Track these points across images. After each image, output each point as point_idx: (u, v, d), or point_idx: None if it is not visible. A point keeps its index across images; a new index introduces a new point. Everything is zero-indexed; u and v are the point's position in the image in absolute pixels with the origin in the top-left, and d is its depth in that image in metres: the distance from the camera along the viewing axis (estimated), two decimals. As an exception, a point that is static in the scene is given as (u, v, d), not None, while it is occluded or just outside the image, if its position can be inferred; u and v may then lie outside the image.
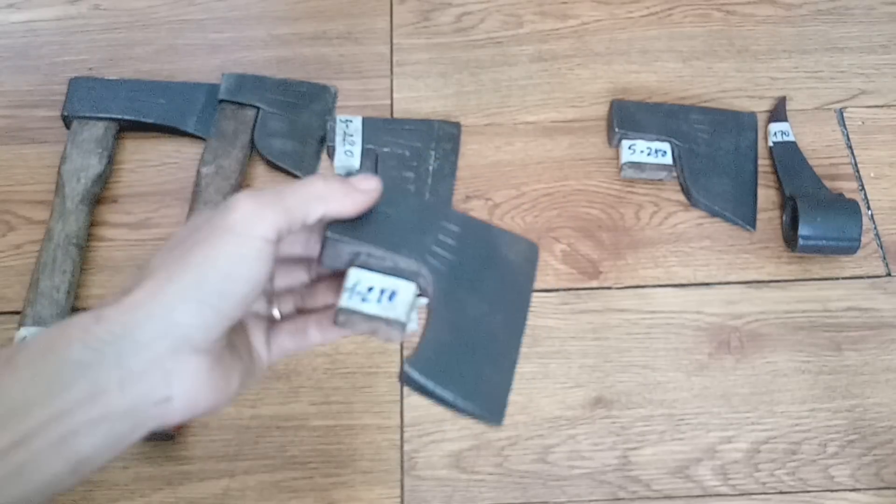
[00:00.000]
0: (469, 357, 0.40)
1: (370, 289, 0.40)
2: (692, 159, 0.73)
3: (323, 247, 0.40)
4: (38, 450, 0.30)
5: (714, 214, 0.73)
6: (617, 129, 0.74)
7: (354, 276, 0.40)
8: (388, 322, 0.40)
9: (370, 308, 0.40)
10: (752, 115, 0.77)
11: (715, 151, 0.74)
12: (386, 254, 0.40)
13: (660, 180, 0.74)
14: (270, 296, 0.42)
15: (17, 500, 0.31)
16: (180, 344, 0.33)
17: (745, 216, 0.72)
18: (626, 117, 0.75)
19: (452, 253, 0.42)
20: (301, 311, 0.43)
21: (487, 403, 0.39)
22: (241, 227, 0.34)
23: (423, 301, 0.42)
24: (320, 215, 0.37)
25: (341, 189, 0.38)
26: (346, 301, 0.40)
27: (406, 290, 0.41)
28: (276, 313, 0.42)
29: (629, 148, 0.73)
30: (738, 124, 0.76)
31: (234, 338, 0.38)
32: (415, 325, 0.42)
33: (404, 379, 0.39)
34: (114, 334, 0.32)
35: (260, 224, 0.34)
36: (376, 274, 0.41)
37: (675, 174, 0.74)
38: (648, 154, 0.73)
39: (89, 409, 0.31)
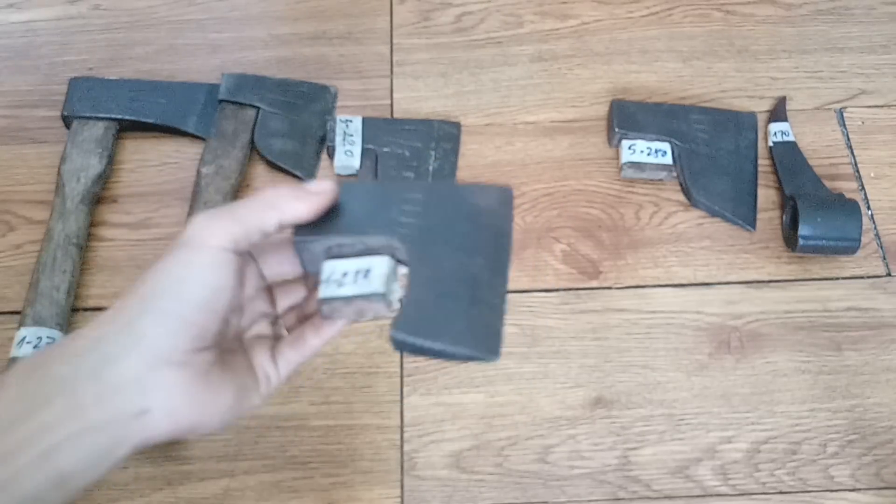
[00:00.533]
0: (452, 304, 0.40)
1: (345, 273, 0.41)
2: (692, 159, 0.73)
3: (297, 253, 0.41)
4: (21, 465, 0.31)
5: (714, 214, 0.73)
6: (617, 129, 0.74)
7: (328, 268, 0.41)
8: (368, 298, 0.41)
9: (348, 290, 0.41)
10: (752, 115, 0.77)
11: (715, 151, 0.74)
12: (354, 239, 0.41)
13: (660, 180, 0.74)
14: (274, 317, 0.43)
15: None
16: (151, 355, 0.34)
17: (745, 216, 0.72)
18: (626, 117, 0.75)
19: (420, 218, 0.43)
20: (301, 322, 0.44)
21: (481, 342, 0.40)
22: (193, 239, 0.36)
23: (404, 270, 0.43)
24: (276, 222, 0.38)
25: (291, 194, 0.39)
26: (324, 291, 0.41)
27: (380, 264, 0.42)
28: (283, 332, 0.43)
29: (629, 148, 0.73)
30: (738, 124, 0.76)
31: (229, 357, 0.39)
32: (399, 294, 0.43)
33: (394, 343, 0.39)
34: (86, 349, 0.33)
35: (212, 234, 0.36)
36: (348, 259, 0.41)
37: (675, 174, 0.74)
38: (648, 154, 0.73)
39: (69, 423, 0.32)
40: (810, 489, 0.62)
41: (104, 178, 0.74)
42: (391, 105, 0.79)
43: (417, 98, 0.80)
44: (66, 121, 0.75)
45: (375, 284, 0.41)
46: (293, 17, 0.85)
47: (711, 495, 0.62)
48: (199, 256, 0.36)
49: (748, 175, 0.74)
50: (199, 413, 0.36)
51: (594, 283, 0.70)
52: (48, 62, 0.82)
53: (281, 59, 0.82)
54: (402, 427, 0.64)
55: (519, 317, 0.68)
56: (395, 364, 0.66)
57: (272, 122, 0.76)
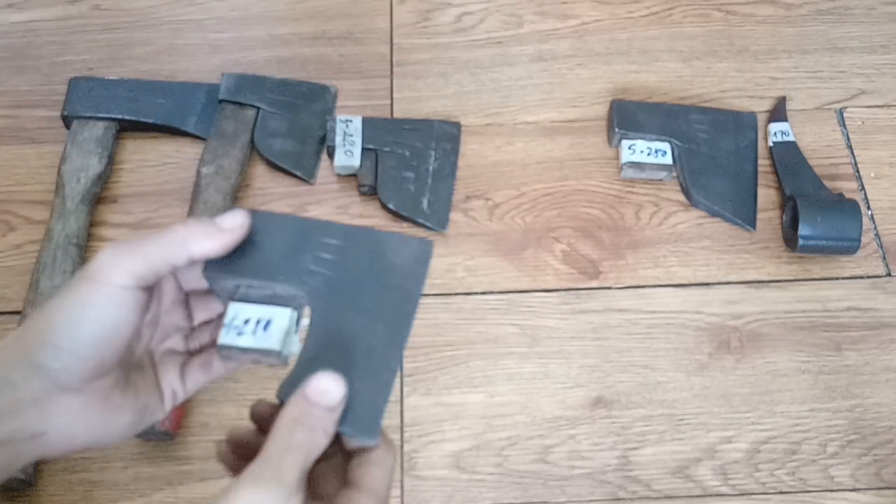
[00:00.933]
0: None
1: (246, 321, 0.40)
2: (692, 159, 0.73)
3: (209, 284, 0.41)
4: None
5: (714, 214, 0.73)
6: (617, 129, 0.74)
7: (232, 310, 0.41)
8: (263, 353, 0.40)
9: (245, 341, 0.40)
10: (752, 115, 0.77)
11: (715, 151, 0.74)
12: (262, 283, 0.41)
13: (660, 180, 0.74)
14: (187, 332, 0.43)
15: None
16: (48, 384, 0.34)
17: (746, 216, 0.72)
18: (626, 117, 0.75)
19: (332, 269, 0.41)
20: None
21: (359, 422, 0.38)
22: (97, 274, 0.36)
23: (305, 323, 0.41)
24: (186, 258, 0.38)
25: (202, 230, 0.38)
26: (223, 338, 0.40)
27: (281, 316, 0.41)
28: (194, 341, 0.43)
29: (629, 148, 0.73)
30: (739, 124, 0.76)
31: (135, 375, 0.39)
32: (296, 349, 0.41)
33: (279, 401, 0.39)
34: None
35: (116, 271, 0.36)
36: (253, 305, 0.41)
37: (675, 174, 0.74)
38: (648, 154, 0.73)
39: None
40: (810, 489, 0.62)
41: (104, 178, 0.74)
42: (391, 105, 0.79)
43: (417, 98, 0.80)
44: (66, 121, 0.75)
45: (272, 340, 0.40)
46: (293, 17, 0.85)
47: (711, 495, 0.62)
48: (99, 294, 0.36)
49: (748, 175, 0.74)
50: (96, 433, 0.36)
51: (594, 283, 0.70)
52: (48, 62, 0.82)
53: (281, 59, 0.82)
54: (402, 427, 0.64)
55: (519, 317, 0.68)
56: (395, 364, 0.66)
57: (272, 122, 0.76)
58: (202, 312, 0.43)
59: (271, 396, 0.66)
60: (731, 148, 0.75)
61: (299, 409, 0.36)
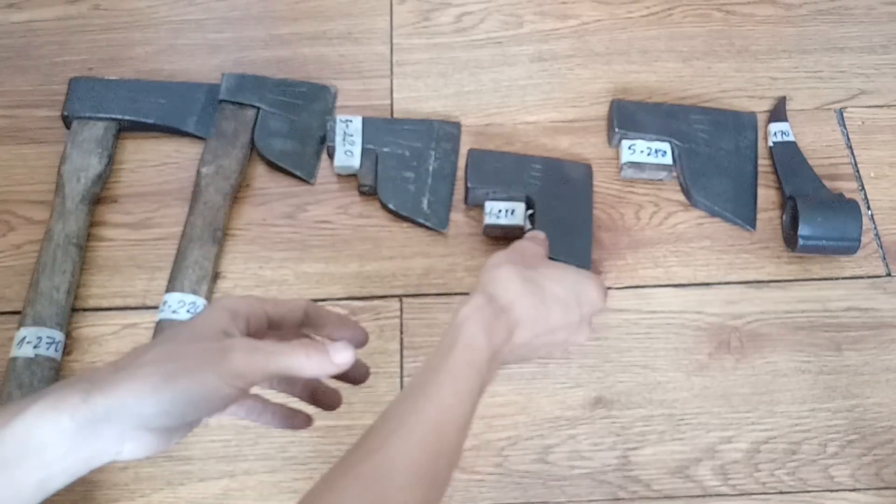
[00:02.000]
0: (562, 236, 0.69)
1: (500, 210, 0.70)
2: (692, 159, 0.73)
3: (467, 192, 0.72)
4: (21, 485, 0.41)
5: (714, 214, 0.73)
6: (617, 130, 0.74)
7: (489, 205, 0.70)
8: (512, 228, 0.70)
9: (503, 221, 0.70)
10: (752, 115, 0.77)
11: (715, 151, 0.74)
12: (503, 190, 0.71)
13: (660, 180, 0.74)
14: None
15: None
16: (138, 425, 0.42)
17: (746, 216, 0.72)
18: (626, 117, 0.75)
19: (540, 180, 0.72)
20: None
21: (580, 261, 0.68)
22: (227, 373, 0.42)
23: (530, 212, 0.71)
24: (297, 375, 0.45)
25: (319, 362, 0.45)
26: (488, 220, 0.70)
27: (520, 207, 0.70)
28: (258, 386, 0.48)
29: (629, 148, 0.73)
30: (739, 124, 0.76)
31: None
32: (528, 226, 0.70)
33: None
34: (94, 417, 0.41)
35: (240, 377, 0.43)
36: (500, 202, 0.71)
37: (674, 174, 0.74)
38: (648, 154, 0.73)
39: (62, 461, 0.41)
40: (810, 489, 0.62)
41: (104, 178, 0.74)
42: (391, 105, 0.79)
43: (417, 98, 0.80)
44: (66, 121, 0.75)
45: (518, 219, 0.70)
46: (293, 17, 0.85)
47: (711, 495, 0.62)
48: (223, 391, 0.43)
49: (748, 175, 0.74)
50: (152, 449, 0.43)
51: (594, 283, 0.70)
52: (48, 62, 0.82)
53: (281, 59, 0.82)
54: (402, 427, 0.64)
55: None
56: (396, 364, 0.66)
57: (272, 122, 0.76)
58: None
59: (270, 396, 0.66)
60: (731, 148, 0.75)
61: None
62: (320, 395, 0.54)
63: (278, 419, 0.52)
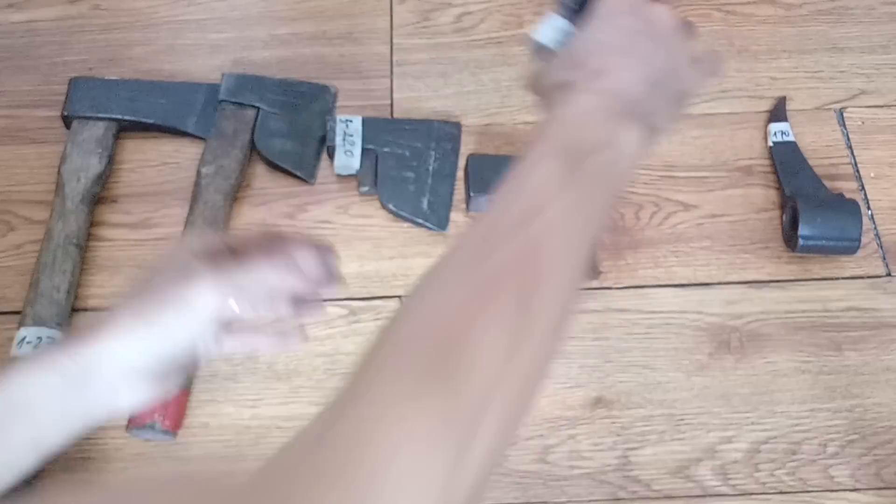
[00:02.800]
0: None
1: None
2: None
3: (468, 199, 0.64)
4: (16, 445, 0.42)
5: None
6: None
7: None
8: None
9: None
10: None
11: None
12: None
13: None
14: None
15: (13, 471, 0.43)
16: (126, 371, 0.43)
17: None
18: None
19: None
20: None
21: None
22: (195, 301, 0.43)
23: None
24: (263, 283, 0.46)
25: (283, 265, 0.46)
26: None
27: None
28: (234, 307, 0.47)
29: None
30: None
31: (181, 358, 0.46)
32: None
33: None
34: (80, 368, 0.42)
35: (210, 302, 0.44)
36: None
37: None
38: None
39: (57, 414, 0.42)
40: (810, 489, 0.62)
41: (104, 178, 0.74)
42: (391, 105, 0.79)
43: (417, 98, 0.80)
44: (66, 121, 0.75)
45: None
46: (293, 17, 0.85)
47: (711, 495, 0.62)
48: (196, 317, 0.44)
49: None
50: (150, 396, 0.45)
51: (594, 284, 0.70)
52: (48, 62, 0.82)
53: (281, 59, 0.82)
54: (402, 427, 0.64)
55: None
56: (395, 364, 0.66)
57: (272, 122, 0.76)
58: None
59: (271, 398, 0.66)
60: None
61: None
62: (305, 308, 0.51)
63: (273, 341, 0.51)
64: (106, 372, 0.43)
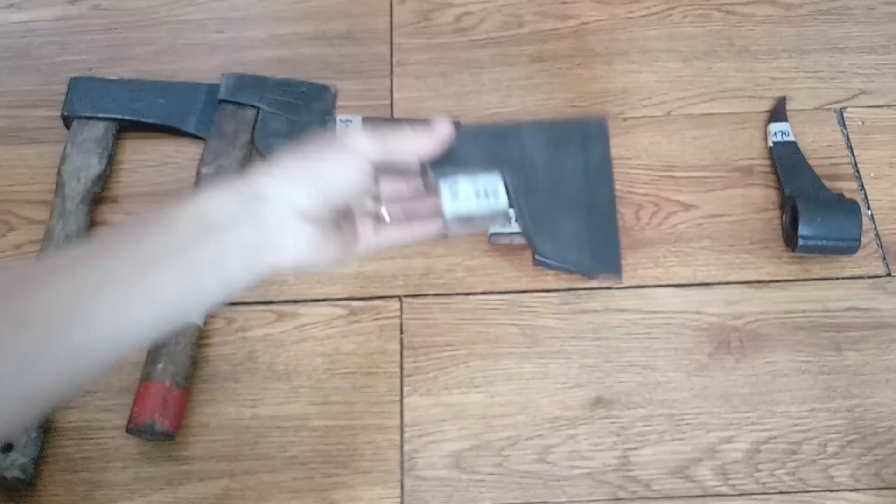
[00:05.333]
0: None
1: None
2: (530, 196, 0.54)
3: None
4: (200, 267, 0.43)
5: (566, 268, 0.56)
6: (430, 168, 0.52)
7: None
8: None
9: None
10: (601, 121, 0.56)
11: (559, 180, 0.55)
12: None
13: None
14: (378, 200, 0.55)
15: (188, 305, 0.44)
16: (293, 210, 0.46)
17: (608, 262, 0.55)
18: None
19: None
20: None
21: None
22: (354, 147, 0.48)
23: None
24: (412, 156, 0.51)
25: (426, 138, 0.51)
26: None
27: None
28: (384, 213, 0.55)
29: (450, 193, 0.52)
30: (584, 136, 0.56)
31: (343, 221, 0.52)
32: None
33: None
34: (253, 193, 0.45)
35: (366, 148, 0.48)
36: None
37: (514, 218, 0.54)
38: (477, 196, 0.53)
39: (234, 240, 0.44)
40: (810, 489, 0.62)
41: (104, 178, 0.74)
42: (391, 105, 0.79)
43: (417, 98, 0.80)
44: (66, 121, 0.75)
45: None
46: (293, 17, 0.85)
47: (711, 495, 0.62)
48: (354, 161, 0.48)
49: (605, 204, 0.56)
50: (312, 255, 0.48)
51: (594, 283, 0.70)
52: (48, 62, 0.82)
53: (281, 59, 0.82)
54: (402, 427, 0.64)
55: (519, 317, 0.68)
56: (395, 364, 0.66)
57: (272, 122, 0.76)
58: (386, 186, 0.55)
59: (271, 398, 0.66)
60: (578, 172, 0.55)
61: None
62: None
63: (420, 225, 0.55)
64: (275, 207, 0.46)
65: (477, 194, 0.53)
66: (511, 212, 0.54)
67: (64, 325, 0.40)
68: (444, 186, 0.53)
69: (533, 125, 0.56)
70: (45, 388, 0.40)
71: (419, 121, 0.51)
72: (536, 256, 0.54)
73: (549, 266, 0.55)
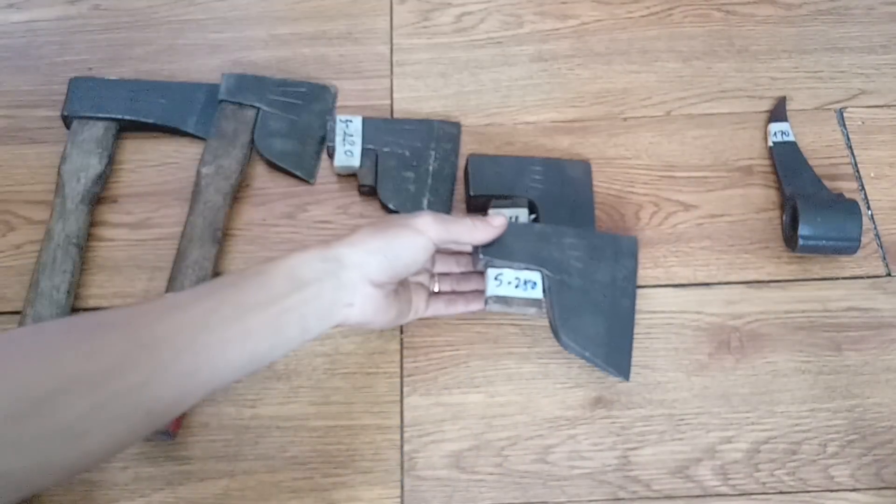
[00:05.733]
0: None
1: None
2: (563, 293, 0.63)
3: (469, 200, 0.71)
4: (287, 317, 0.51)
5: (583, 358, 0.64)
6: (482, 256, 0.62)
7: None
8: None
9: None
10: (632, 239, 0.68)
11: (589, 284, 0.64)
12: (505, 196, 0.70)
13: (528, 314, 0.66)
14: (432, 276, 0.66)
15: (272, 350, 0.51)
16: (365, 276, 0.54)
17: (618, 363, 0.64)
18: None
19: (541, 182, 0.71)
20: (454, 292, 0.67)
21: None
22: (421, 229, 0.56)
23: (533, 216, 0.69)
24: (469, 242, 0.61)
25: (483, 227, 0.61)
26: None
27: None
28: (435, 287, 0.66)
29: (495, 279, 0.62)
30: (617, 249, 0.67)
31: (401, 291, 0.60)
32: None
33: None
34: (335, 259, 0.53)
35: (434, 232, 0.57)
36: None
37: (544, 309, 0.63)
38: (517, 286, 0.63)
39: (316, 296, 0.52)
40: (810, 489, 0.62)
41: (104, 178, 0.74)
42: (391, 105, 0.79)
43: (417, 98, 0.80)
44: (66, 121, 0.75)
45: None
46: (293, 17, 0.85)
47: (711, 495, 0.62)
48: (420, 240, 0.56)
49: (624, 312, 0.65)
50: (374, 316, 0.56)
51: (594, 283, 0.70)
52: (48, 62, 0.82)
53: (281, 59, 0.82)
54: (402, 427, 0.64)
55: (520, 317, 0.68)
56: (395, 364, 0.66)
57: (272, 122, 0.76)
58: (441, 266, 0.66)
59: (271, 398, 0.67)
60: (607, 280, 0.65)
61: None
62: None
63: (463, 301, 0.65)
64: (352, 270, 0.53)
65: (517, 284, 0.62)
66: (543, 303, 0.63)
67: (178, 352, 0.46)
68: (491, 272, 0.62)
69: (575, 233, 0.66)
70: (160, 406, 0.46)
71: (479, 216, 0.62)
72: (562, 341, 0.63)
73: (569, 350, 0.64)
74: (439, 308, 0.65)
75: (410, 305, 0.62)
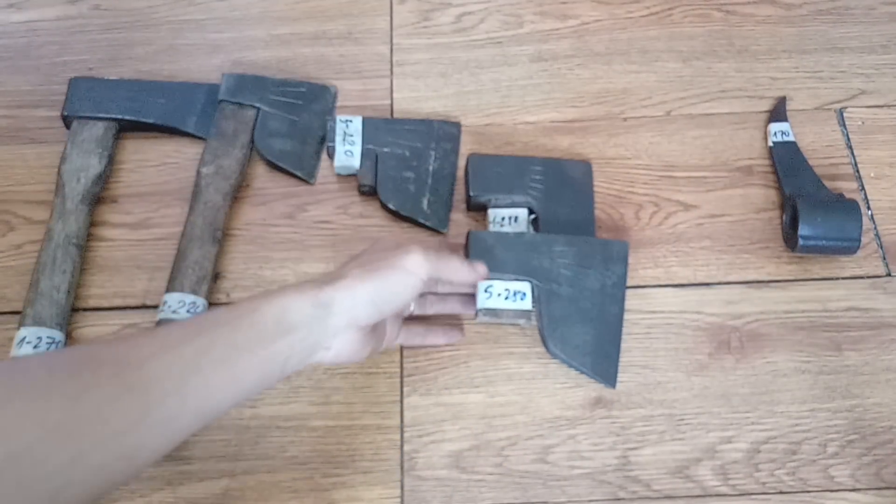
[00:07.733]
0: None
1: (503, 218, 0.67)
2: (552, 303, 0.64)
3: (469, 199, 0.71)
4: (273, 360, 0.50)
5: (570, 367, 0.65)
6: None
7: (492, 213, 0.67)
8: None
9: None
10: (623, 244, 0.67)
11: (578, 292, 0.65)
12: (506, 196, 0.70)
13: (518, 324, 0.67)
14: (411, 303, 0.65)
15: (252, 391, 0.51)
16: (352, 322, 0.54)
17: (605, 371, 0.65)
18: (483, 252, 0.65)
19: (541, 182, 0.71)
20: (426, 319, 0.67)
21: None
22: (411, 269, 0.55)
23: (533, 216, 0.70)
24: (454, 280, 0.61)
25: (468, 270, 0.60)
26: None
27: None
28: (412, 307, 0.65)
29: (485, 291, 0.64)
30: (607, 255, 0.67)
31: (378, 325, 0.59)
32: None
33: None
34: (325, 305, 0.52)
35: (422, 271, 0.55)
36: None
37: (533, 321, 0.65)
38: (506, 298, 0.64)
39: (301, 340, 0.51)
40: (810, 489, 0.62)
41: (104, 178, 0.74)
42: (391, 105, 0.79)
43: (417, 98, 0.80)
44: (66, 121, 0.75)
45: (522, 226, 0.66)
46: (293, 17, 0.85)
47: (711, 495, 0.62)
48: (410, 281, 0.55)
49: (613, 320, 0.66)
50: (349, 357, 0.56)
51: (594, 283, 0.70)
52: (48, 62, 0.82)
53: (281, 59, 0.82)
54: (402, 427, 0.64)
55: (519, 317, 0.68)
56: (395, 364, 0.66)
57: (272, 122, 0.76)
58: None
59: (271, 398, 0.67)
60: (596, 287, 0.65)
61: (466, 260, 0.61)
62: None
63: (440, 334, 0.66)
64: (338, 315, 0.52)
65: (507, 296, 0.63)
66: (532, 313, 0.64)
67: (165, 395, 0.45)
68: (481, 284, 0.63)
69: (565, 240, 0.66)
70: (142, 454, 0.45)
71: (465, 259, 0.61)
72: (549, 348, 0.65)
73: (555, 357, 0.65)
74: (413, 338, 0.66)
75: (384, 337, 0.62)
